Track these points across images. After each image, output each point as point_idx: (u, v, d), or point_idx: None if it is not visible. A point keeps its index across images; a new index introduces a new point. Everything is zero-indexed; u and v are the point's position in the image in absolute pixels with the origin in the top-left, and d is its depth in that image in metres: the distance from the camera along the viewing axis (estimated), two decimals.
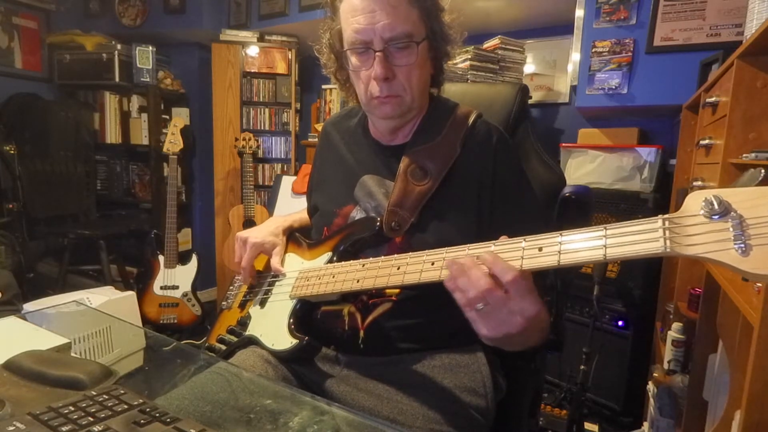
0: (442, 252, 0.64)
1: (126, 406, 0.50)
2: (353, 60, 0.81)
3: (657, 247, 0.46)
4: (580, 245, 0.52)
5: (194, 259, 2.61)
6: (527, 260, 0.55)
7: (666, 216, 0.47)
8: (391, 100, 0.80)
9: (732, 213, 0.43)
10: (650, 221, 0.48)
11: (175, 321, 2.55)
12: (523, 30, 2.45)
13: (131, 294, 1.95)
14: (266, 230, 0.95)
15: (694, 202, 0.46)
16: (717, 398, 1.13)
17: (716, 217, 0.44)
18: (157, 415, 0.48)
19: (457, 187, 0.82)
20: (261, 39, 2.94)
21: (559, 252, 0.53)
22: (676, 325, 1.49)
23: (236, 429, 0.56)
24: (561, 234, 0.54)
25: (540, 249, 0.55)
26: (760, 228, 0.42)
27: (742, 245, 0.42)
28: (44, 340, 0.68)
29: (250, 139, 2.80)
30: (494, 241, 0.60)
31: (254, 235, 0.93)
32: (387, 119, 0.84)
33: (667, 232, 0.46)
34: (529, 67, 2.41)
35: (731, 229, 0.43)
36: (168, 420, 0.47)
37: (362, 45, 0.78)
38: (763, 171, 0.69)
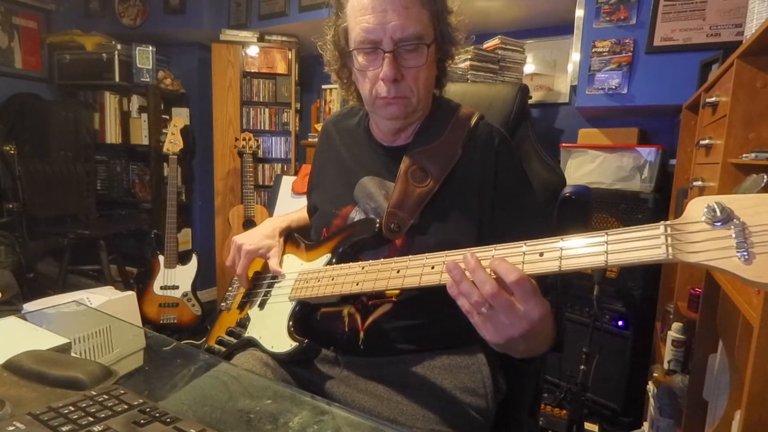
0: (443, 255, 0.63)
1: (126, 406, 0.50)
2: (360, 59, 0.79)
3: (659, 253, 0.46)
4: (581, 251, 0.51)
5: (194, 259, 2.61)
6: (528, 265, 0.54)
7: (668, 222, 0.47)
8: (398, 101, 0.79)
9: (735, 220, 0.43)
10: (652, 227, 0.47)
11: (175, 321, 2.55)
12: (523, 30, 2.45)
13: (131, 294, 1.95)
14: (261, 234, 0.94)
15: (696, 209, 0.45)
16: (717, 398, 1.13)
17: (719, 224, 0.43)
18: (157, 415, 0.48)
19: (458, 189, 0.81)
20: (261, 39, 2.94)
21: (560, 258, 0.52)
22: (676, 325, 1.49)
23: (236, 429, 0.56)
24: (562, 239, 0.53)
25: (541, 254, 0.54)
26: (763, 236, 0.41)
27: (745, 253, 0.41)
28: (44, 340, 0.68)
29: (250, 139, 2.80)
30: (495, 246, 0.59)
31: (248, 241, 0.92)
32: (392, 120, 0.83)
33: (669, 239, 0.46)
34: (529, 67, 2.41)
35: (734, 237, 0.42)
36: (168, 420, 0.47)
37: (371, 45, 0.76)
38: (765, 177, 0.69)
